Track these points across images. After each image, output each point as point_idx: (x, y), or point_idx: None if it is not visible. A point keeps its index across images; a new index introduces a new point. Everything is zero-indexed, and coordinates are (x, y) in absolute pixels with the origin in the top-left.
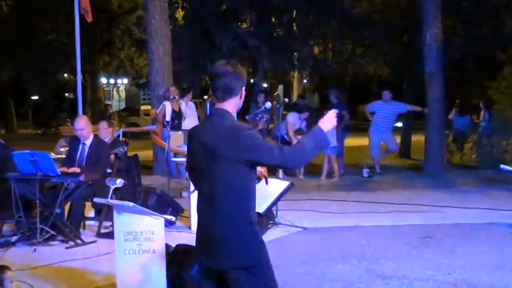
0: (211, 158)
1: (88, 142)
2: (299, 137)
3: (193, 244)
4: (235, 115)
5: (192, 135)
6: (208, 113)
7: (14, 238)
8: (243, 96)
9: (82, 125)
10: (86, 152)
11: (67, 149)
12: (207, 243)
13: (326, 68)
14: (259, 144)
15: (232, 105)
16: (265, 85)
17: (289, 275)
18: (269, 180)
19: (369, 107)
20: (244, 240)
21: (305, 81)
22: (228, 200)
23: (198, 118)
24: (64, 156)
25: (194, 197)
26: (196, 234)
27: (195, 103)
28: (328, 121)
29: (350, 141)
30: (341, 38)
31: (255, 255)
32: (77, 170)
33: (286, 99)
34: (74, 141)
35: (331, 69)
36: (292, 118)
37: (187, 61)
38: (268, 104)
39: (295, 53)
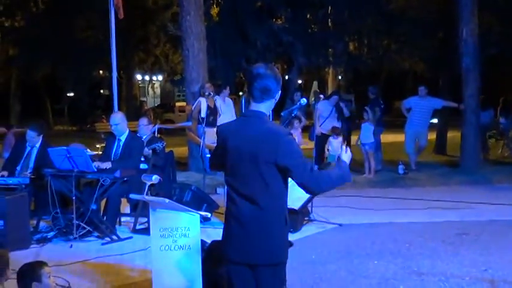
0: (250, 160)
1: (123, 138)
2: (338, 137)
3: None
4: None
5: (226, 135)
6: (243, 113)
7: (51, 234)
8: (277, 100)
9: (117, 120)
10: (121, 148)
11: (103, 145)
12: (240, 238)
13: (361, 64)
14: (297, 153)
15: (268, 106)
16: (299, 81)
17: (324, 272)
18: None
19: (404, 103)
20: (279, 239)
21: (340, 77)
22: (268, 202)
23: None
24: (100, 152)
25: None
26: (228, 228)
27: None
28: (346, 156)
29: (385, 137)
30: (376, 33)
31: (284, 253)
32: (108, 165)
33: (322, 95)
34: (110, 138)
35: (366, 65)
36: (321, 105)
37: (222, 58)
38: (304, 100)
39: (330, 49)
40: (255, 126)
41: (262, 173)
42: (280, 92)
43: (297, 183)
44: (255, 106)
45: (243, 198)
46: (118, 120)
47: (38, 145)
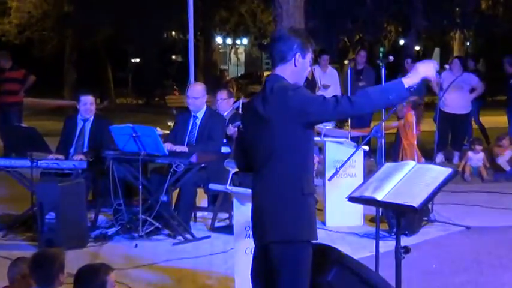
0: (261, 126)
1: (200, 115)
2: (478, 153)
3: (329, 243)
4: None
5: (245, 109)
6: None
7: (112, 230)
8: (302, 65)
9: (198, 93)
10: (198, 127)
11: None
12: (257, 217)
13: (495, 26)
14: (308, 97)
15: (285, 71)
16: (417, 48)
17: (447, 284)
18: (427, 166)
19: None
20: (291, 212)
21: (468, 43)
22: (278, 167)
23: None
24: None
25: (330, 185)
26: (251, 211)
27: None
28: (422, 70)
29: None
30: None
31: (299, 230)
32: (184, 148)
33: (447, 65)
34: (184, 114)
35: (502, 28)
36: (444, 75)
37: (322, 18)
38: None
39: (457, 8)
40: (266, 89)
41: (274, 137)
42: (300, 54)
43: (330, 118)
44: (272, 71)
45: (256, 169)
46: (199, 94)
47: (91, 118)
